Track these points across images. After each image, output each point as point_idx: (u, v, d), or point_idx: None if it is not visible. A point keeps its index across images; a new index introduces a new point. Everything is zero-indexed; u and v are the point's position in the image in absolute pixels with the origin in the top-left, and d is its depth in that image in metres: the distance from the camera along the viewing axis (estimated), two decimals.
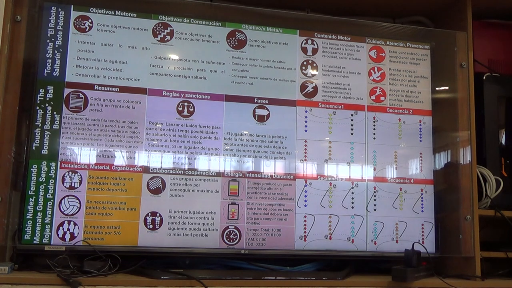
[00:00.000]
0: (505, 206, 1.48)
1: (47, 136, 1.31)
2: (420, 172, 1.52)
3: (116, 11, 1.40)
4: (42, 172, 1.29)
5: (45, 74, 1.33)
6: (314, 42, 1.52)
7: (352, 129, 1.49)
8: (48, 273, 1.18)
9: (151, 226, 1.33)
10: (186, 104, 1.40)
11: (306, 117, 1.47)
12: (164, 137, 1.38)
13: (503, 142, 1.55)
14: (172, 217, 1.35)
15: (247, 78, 1.45)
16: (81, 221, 1.30)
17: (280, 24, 1.50)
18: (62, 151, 1.31)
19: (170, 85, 1.40)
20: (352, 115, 1.50)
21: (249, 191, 1.40)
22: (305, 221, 1.42)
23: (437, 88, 1.58)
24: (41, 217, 1.28)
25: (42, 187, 1.29)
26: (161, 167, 1.36)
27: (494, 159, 1.52)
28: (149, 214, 1.34)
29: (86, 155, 1.33)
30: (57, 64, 1.34)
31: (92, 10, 1.39)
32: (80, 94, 1.35)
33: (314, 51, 1.51)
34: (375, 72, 1.54)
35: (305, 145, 1.46)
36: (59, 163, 1.31)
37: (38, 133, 1.31)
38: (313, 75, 1.50)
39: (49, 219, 1.28)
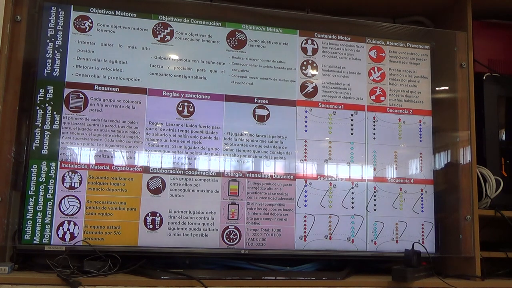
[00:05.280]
0: (505, 206, 1.48)
1: (47, 136, 1.31)
2: (420, 172, 1.52)
3: (116, 11, 1.40)
4: (42, 172, 1.29)
5: (45, 74, 1.33)
6: (314, 42, 1.52)
7: (352, 129, 1.50)
8: (48, 273, 1.18)
9: (151, 226, 1.33)
10: (186, 104, 1.40)
11: (306, 117, 1.47)
12: (164, 137, 1.38)
13: (503, 142, 1.55)
14: (172, 217, 1.35)
15: (247, 78, 1.45)
16: (81, 221, 1.30)
17: (280, 24, 1.50)
18: (62, 151, 1.31)
19: (170, 85, 1.40)
20: (352, 115, 1.50)
21: (249, 191, 1.40)
22: (305, 221, 1.42)
23: (437, 88, 1.58)
24: (41, 217, 1.28)
25: (42, 187, 1.29)
26: (161, 167, 1.36)
27: (494, 159, 1.52)
28: (149, 214, 1.34)
29: (86, 155, 1.33)
30: (57, 64, 1.34)
31: (92, 10, 1.39)
32: (80, 94, 1.35)
33: (314, 51, 1.51)
34: (375, 72, 1.54)
35: (305, 145, 1.46)
36: (59, 163, 1.31)
37: (38, 133, 1.31)
38: (313, 75, 1.50)
39: (49, 219, 1.28)
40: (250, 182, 1.41)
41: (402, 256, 1.35)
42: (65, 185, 1.30)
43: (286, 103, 1.47)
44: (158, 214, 1.34)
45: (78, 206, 1.30)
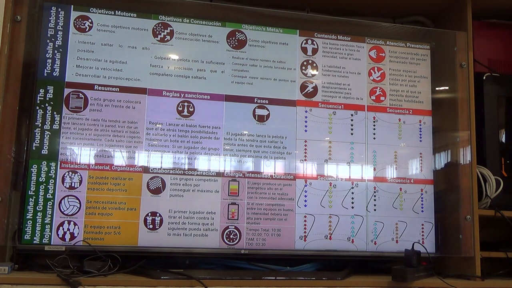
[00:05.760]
0: (505, 206, 1.48)
1: (47, 136, 1.31)
2: (420, 172, 1.52)
3: (116, 11, 1.40)
4: (42, 172, 1.29)
5: (45, 74, 1.33)
6: (314, 42, 1.52)
7: (352, 129, 1.50)
8: (48, 273, 1.18)
9: (151, 226, 1.33)
10: (186, 104, 1.40)
11: (306, 117, 1.47)
12: (164, 137, 1.38)
13: (503, 142, 1.55)
14: (172, 217, 1.35)
15: (247, 78, 1.45)
16: (81, 221, 1.30)
17: (280, 24, 1.50)
18: (62, 151, 1.31)
19: (170, 85, 1.40)
20: (352, 115, 1.50)
21: (249, 191, 1.40)
22: (305, 221, 1.42)
23: (437, 88, 1.58)
24: (41, 217, 1.28)
25: (42, 187, 1.29)
26: (161, 167, 1.36)
27: (494, 159, 1.52)
28: (149, 214, 1.34)
29: (86, 155, 1.33)
30: (57, 64, 1.34)
31: (92, 10, 1.39)
32: (80, 94, 1.35)
33: (314, 51, 1.51)
34: (375, 72, 1.54)
35: (305, 145, 1.46)
36: (59, 163, 1.31)
37: (38, 133, 1.31)
38: (313, 75, 1.50)
39: (49, 219, 1.28)
40: (250, 182, 1.41)
41: (402, 256, 1.35)
42: (65, 185, 1.30)
43: (286, 103, 1.47)
44: (158, 214, 1.34)
45: (78, 206, 1.30)
